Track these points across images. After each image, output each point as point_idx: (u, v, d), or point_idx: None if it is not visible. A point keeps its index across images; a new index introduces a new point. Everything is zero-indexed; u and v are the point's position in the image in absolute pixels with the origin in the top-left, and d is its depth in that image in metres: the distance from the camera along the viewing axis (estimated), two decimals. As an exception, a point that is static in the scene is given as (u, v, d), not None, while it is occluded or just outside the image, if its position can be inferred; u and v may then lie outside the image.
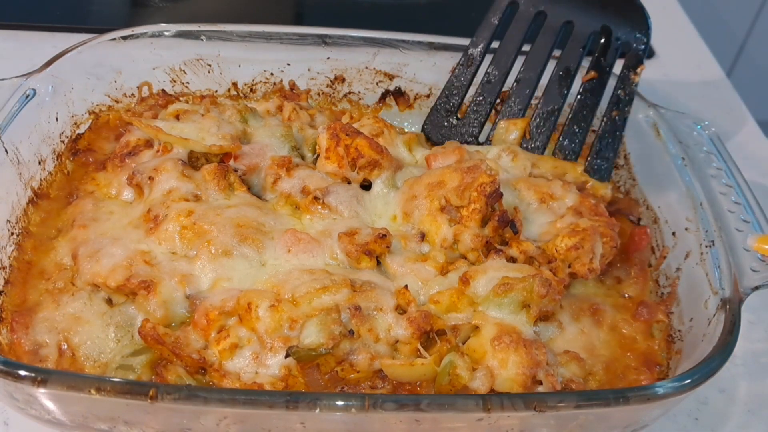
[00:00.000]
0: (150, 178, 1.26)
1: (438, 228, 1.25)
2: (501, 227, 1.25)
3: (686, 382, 0.99)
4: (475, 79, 1.53)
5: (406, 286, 1.17)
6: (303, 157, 1.40)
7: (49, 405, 0.99)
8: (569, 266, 1.25)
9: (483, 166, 1.27)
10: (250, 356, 1.08)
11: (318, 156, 1.36)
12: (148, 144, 1.35)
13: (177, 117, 1.40)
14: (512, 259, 1.24)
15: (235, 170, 1.30)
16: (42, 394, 0.96)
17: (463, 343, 1.15)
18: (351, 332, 1.10)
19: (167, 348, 1.08)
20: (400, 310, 1.15)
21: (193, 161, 1.33)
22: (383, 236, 1.21)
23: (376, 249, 1.20)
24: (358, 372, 1.10)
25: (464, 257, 1.25)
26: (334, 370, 1.10)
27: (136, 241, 1.20)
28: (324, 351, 1.07)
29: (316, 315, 1.09)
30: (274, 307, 1.09)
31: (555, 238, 1.26)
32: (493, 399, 0.95)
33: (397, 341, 1.12)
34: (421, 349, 1.12)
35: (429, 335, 1.14)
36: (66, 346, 1.12)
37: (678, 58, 1.39)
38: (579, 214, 1.32)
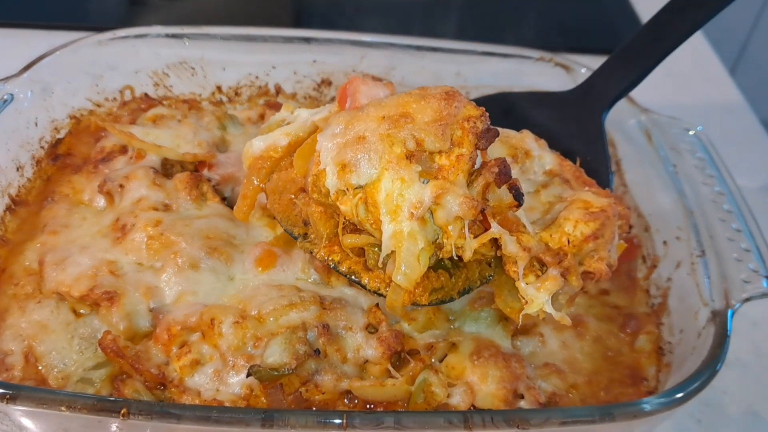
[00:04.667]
0: (120, 186, 1.23)
1: (406, 185, 0.83)
2: (498, 184, 0.85)
3: (673, 398, 0.96)
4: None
5: (377, 305, 1.12)
6: (281, 167, 1.36)
7: (21, 420, 0.96)
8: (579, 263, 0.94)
9: (460, 94, 0.87)
10: (211, 373, 1.05)
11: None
12: (124, 150, 1.33)
13: (155, 122, 1.37)
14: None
15: (209, 179, 1.27)
16: (12, 410, 0.93)
17: (440, 362, 1.12)
18: (317, 351, 1.06)
19: (127, 362, 1.05)
20: (371, 328, 1.11)
21: (168, 168, 1.30)
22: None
23: None
24: (323, 393, 1.06)
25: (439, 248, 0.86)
26: (298, 391, 1.06)
27: (103, 250, 1.17)
28: (287, 371, 1.03)
29: (281, 333, 1.05)
30: (238, 324, 1.06)
31: (562, 222, 0.92)
32: (474, 416, 0.91)
33: (366, 361, 1.09)
34: (392, 370, 1.08)
35: (400, 355, 1.10)
36: (31, 355, 1.09)
37: (680, 57, 1.34)
38: (567, 182, 1.03)
